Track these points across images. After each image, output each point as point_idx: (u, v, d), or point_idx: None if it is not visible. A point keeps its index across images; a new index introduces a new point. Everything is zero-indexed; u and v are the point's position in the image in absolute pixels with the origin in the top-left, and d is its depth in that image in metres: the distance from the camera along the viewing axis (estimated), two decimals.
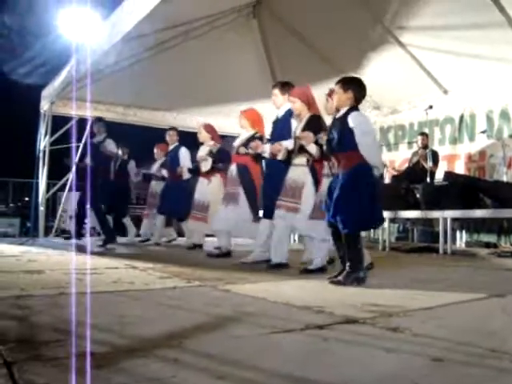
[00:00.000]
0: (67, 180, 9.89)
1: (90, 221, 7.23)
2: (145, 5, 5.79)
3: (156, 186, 8.05)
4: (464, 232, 7.48)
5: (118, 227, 8.79)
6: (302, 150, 4.17)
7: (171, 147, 7.63)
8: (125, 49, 7.33)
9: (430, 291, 3.17)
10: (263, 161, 5.20)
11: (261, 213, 5.07)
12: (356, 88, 3.54)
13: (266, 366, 1.54)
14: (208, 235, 7.09)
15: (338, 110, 3.63)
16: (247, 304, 2.62)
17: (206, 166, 6.56)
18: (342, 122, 3.48)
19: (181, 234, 8.10)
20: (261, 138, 5.18)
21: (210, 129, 6.83)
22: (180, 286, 3.22)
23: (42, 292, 2.88)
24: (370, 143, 3.47)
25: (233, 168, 5.44)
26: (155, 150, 8.11)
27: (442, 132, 8.68)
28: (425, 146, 7.85)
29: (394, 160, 9.36)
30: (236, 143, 5.49)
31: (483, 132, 7.65)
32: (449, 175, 7.06)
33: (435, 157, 7.68)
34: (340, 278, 3.39)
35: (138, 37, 7.04)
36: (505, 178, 6.92)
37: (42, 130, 9.76)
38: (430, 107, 7.56)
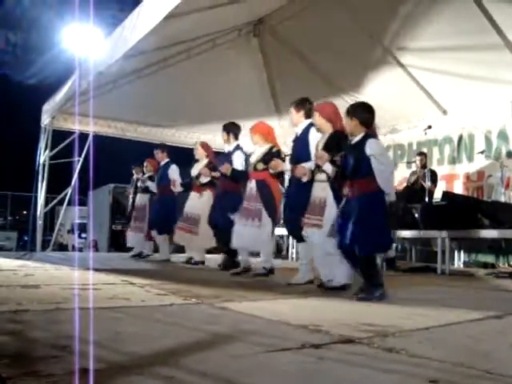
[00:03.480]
0: (66, 194, 9.90)
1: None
2: (147, 22, 5.85)
3: (141, 199, 8.10)
4: (462, 252, 7.48)
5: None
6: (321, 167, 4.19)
7: (162, 163, 7.68)
8: (126, 65, 7.40)
9: (426, 311, 3.17)
10: (285, 177, 5.22)
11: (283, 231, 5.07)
12: (360, 115, 3.65)
13: None
14: (209, 251, 7.17)
15: (353, 135, 3.71)
16: (244, 322, 2.62)
17: (205, 178, 6.66)
18: (358, 149, 3.57)
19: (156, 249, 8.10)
20: (278, 152, 5.22)
21: (205, 147, 6.95)
22: (177, 303, 3.21)
23: (39, 307, 2.87)
24: (385, 172, 3.57)
25: (252, 185, 5.35)
26: (145, 164, 8.13)
27: (440, 152, 8.73)
28: (423, 166, 7.88)
29: None
30: (252, 159, 5.46)
31: (481, 152, 7.69)
32: (447, 195, 7.08)
33: (434, 176, 7.71)
34: (364, 295, 3.52)
35: (140, 54, 7.12)
36: (503, 199, 6.93)
37: (42, 144, 9.79)
38: (429, 127, 7.61)
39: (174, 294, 3.65)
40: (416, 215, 7.09)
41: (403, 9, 6.76)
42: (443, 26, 6.61)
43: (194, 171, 6.88)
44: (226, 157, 6.09)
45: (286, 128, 8.99)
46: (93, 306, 2.90)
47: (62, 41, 12.90)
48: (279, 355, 1.92)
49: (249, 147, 5.97)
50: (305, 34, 8.00)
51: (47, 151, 9.61)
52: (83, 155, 9.62)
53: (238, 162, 5.91)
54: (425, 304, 3.50)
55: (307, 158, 4.45)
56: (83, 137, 9.72)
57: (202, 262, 6.79)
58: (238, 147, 6.08)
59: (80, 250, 13.01)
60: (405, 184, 8.45)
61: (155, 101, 9.11)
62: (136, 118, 10.10)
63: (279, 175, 5.16)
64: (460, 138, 8.41)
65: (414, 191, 7.74)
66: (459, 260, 7.46)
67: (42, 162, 9.67)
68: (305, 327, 2.47)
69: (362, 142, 3.58)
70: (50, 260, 7.01)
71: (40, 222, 9.56)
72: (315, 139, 4.47)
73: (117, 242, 9.31)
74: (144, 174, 8.30)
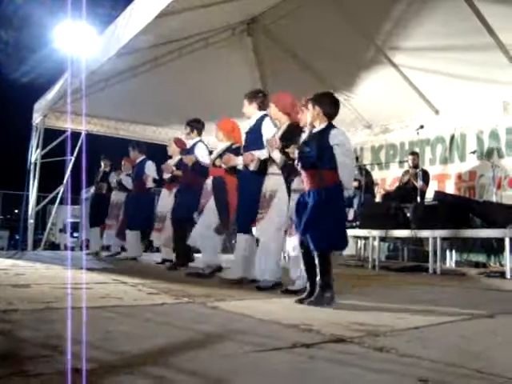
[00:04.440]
0: (57, 193, 9.85)
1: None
2: (139, 20, 5.83)
3: (116, 196, 8.10)
4: (454, 251, 7.50)
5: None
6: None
7: (138, 160, 7.60)
8: (119, 63, 7.37)
9: (417, 311, 3.17)
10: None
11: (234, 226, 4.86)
12: (323, 105, 3.48)
13: None
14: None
15: (313, 126, 3.55)
16: (235, 321, 2.61)
17: (166, 175, 6.64)
18: (320, 139, 3.39)
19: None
20: (238, 149, 4.97)
21: (179, 143, 6.90)
22: (168, 303, 3.20)
23: (29, 306, 2.85)
24: (349, 164, 3.42)
25: (208, 181, 5.29)
26: (123, 162, 8.10)
27: (432, 152, 8.76)
28: (415, 166, 7.90)
29: (384, 179, 9.42)
30: (212, 156, 5.39)
31: (473, 152, 7.72)
32: (439, 195, 7.10)
33: (426, 176, 7.73)
34: (312, 298, 3.31)
35: (133, 52, 7.09)
36: (494, 198, 6.96)
37: (33, 142, 9.74)
38: (421, 127, 7.63)
39: (166, 293, 3.65)
40: (408, 215, 7.11)
41: (396, 9, 6.78)
42: (435, 26, 6.63)
43: (162, 166, 6.80)
44: (189, 152, 6.07)
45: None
46: (84, 305, 2.89)
47: (54, 39, 12.83)
48: (270, 354, 1.92)
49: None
50: (298, 34, 8.00)
51: (39, 150, 9.55)
52: (75, 154, 9.58)
53: (202, 153, 5.89)
54: (416, 303, 3.51)
55: (260, 149, 4.33)
56: (75, 135, 9.68)
57: (170, 261, 6.50)
58: (199, 140, 6.11)
59: (72, 249, 12.95)
60: (397, 184, 8.48)
61: (148, 99, 9.07)
62: (129, 116, 10.07)
63: (232, 170, 4.85)
64: (452, 138, 8.44)
65: (406, 191, 7.77)
66: (451, 259, 7.48)
67: (33, 160, 9.61)
68: (296, 326, 2.47)
69: (325, 131, 3.40)
70: (42, 259, 6.98)
71: (31, 221, 9.50)
72: (269, 130, 4.36)
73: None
74: (110, 170, 8.42)
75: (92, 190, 8.89)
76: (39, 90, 10.11)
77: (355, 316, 2.85)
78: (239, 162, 4.54)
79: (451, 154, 8.45)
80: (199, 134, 6.21)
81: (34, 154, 9.62)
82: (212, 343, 2.10)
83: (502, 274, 5.81)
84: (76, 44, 10.06)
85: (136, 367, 1.67)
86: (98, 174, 8.70)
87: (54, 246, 14.16)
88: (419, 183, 7.36)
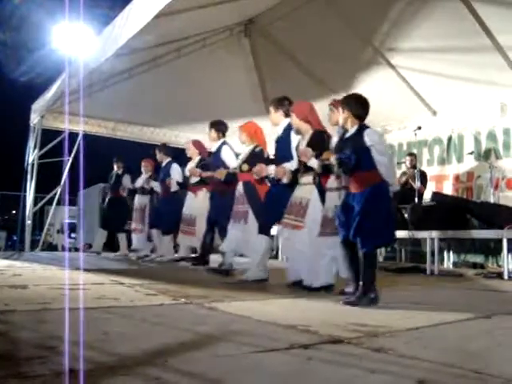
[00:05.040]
0: (55, 194, 9.83)
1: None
2: (137, 21, 5.82)
3: (141, 200, 8.09)
4: (451, 252, 7.50)
5: (111, 242, 9.01)
6: (306, 167, 4.14)
7: (164, 163, 7.61)
8: (117, 64, 7.36)
9: (415, 311, 3.17)
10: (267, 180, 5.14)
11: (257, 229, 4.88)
12: (352, 107, 3.55)
13: None
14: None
15: (345, 129, 3.62)
16: (232, 322, 2.61)
17: (194, 178, 6.66)
18: (356, 141, 3.46)
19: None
20: (261, 152, 5.14)
21: (198, 144, 6.96)
22: (166, 303, 3.19)
23: (26, 307, 2.84)
24: (387, 161, 3.50)
25: (239, 187, 5.33)
26: (142, 164, 8.12)
27: (430, 153, 8.76)
28: (413, 167, 7.90)
29: None
30: (238, 161, 5.45)
31: (471, 153, 7.73)
32: (437, 195, 7.11)
33: (423, 177, 7.73)
34: (353, 298, 3.37)
35: (130, 52, 7.09)
36: (492, 199, 6.97)
37: (30, 143, 9.71)
38: (419, 128, 7.63)
39: (164, 293, 3.64)
40: (406, 215, 7.12)
41: (393, 10, 6.78)
42: (433, 27, 6.63)
43: (187, 170, 6.88)
44: (215, 156, 6.11)
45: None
46: (81, 306, 2.88)
47: (52, 39, 12.81)
48: (268, 355, 1.91)
49: (237, 147, 5.96)
50: (295, 35, 7.99)
51: (36, 150, 9.52)
52: (73, 154, 9.56)
53: (228, 157, 5.93)
54: (414, 304, 3.51)
55: (290, 158, 4.43)
56: (73, 136, 9.66)
57: (185, 259, 6.77)
58: (224, 143, 6.14)
59: (70, 250, 12.93)
60: None
61: (146, 100, 9.06)
62: (126, 117, 10.05)
63: (263, 178, 5.01)
64: (449, 139, 8.45)
65: (404, 192, 7.76)
66: (448, 260, 7.48)
67: (30, 161, 9.59)
68: (293, 327, 2.47)
69: (359, 133, 3.47)
70: (39, 260, 6.96)
71: (29, 222, 9.48)
72: (296, 139, 4.44)
73: (108, 242, 9.26)
74: (123, 173, 8.45)
75: (108, 192, 8.94)
76: (37, 91, 10.08)
77: (353, 317, 2.85)
78: (271, 170, 4.64)
79: (449, 155, 8.45)
80: (223, 135, 6.26)
81: (32, 155, 9.59)
82: (209, 344, 2.09)
83: (500, 275, 5.82)
84: (74, 44, 10.06)
85: (133, 368, 1.67)
86: (111, 177, 8.75)
87: (51, 247, 14.13)
88: (417, 184, 7.36)
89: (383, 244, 3.97)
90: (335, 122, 4.03)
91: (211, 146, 6.49)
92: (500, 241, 5.83)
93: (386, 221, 3.43)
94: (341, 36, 7.46)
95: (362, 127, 3.50)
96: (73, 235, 15.70)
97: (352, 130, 3.54)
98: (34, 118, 9.77)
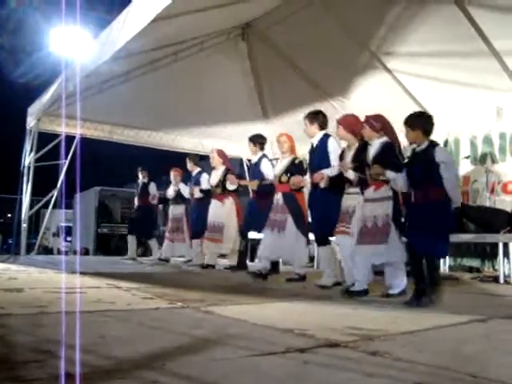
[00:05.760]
0: (51, 197, 9.80)
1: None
2: (135, 24, 5.83)
3: (174, 210, 8.22)
4: (447, 256, 7.51)
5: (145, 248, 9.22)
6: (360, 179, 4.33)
7: (194, 173, 7.79)
8: (114, 67, 7.36)
9: (411, 315, 3.18)
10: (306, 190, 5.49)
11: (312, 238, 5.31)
12: (422, 126, 3.83)
13: None
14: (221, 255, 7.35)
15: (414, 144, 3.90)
16: (229, 326, 2.61)
17: (231, 185, 6.82)
18: (426, 156, 3.71)
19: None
20: (301, 164, 5.44)
21: (221, 154, 7.21)
22: (162, 307, 3.19)
23: (22, 311, 2.84)
24: (454, 180, 3.80)
25: (279, 197, 5.51)
26: (172, 173, 8.21)
27: None
28: None
29: None
30: (277, 171, 5.66)
31: (467, 157, 7.74)
32: None
33: None
34: (410, 299, 3.65)
35: (127, 56, 7.08)
36: (488, 204, 6.99)
37: (27, 146, 9.68)
38: None
39: (160, 297, 3.64)
40: (402, 220, 7.11)
41: (390, 15, 6.80)
42: (430, 32, 6.65)
43: (213, 179, 7.08)
44: (255, 167, 6.42)
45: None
46: (77, 309, 2.87)
47: (50, 42, 12.81)
48: (264, 359, 1.91)
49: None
50: (292, 39, 8.01)
51: (32, 153, 9.49)
52: (69, 158, 9.54)
53: (267, 170, 6.24)
54: (410, 308, 3.51)
55: (327, 167, 4.75)
56: (69, 139, 9.64)
57: (213, 266, 6.97)
58: (263, 156, 6.44)
59: (66, 253, 12.91)
60: None
61: (142, 103, 9.06)
62: (123, 120, 10.02)
63: (300, 188, 5.42)
64: (446, 143, 8.46)
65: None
66: (444, 264, 7.48)
67: (27, 164, 9.55)
68: (290, 331, 2.47)
69: (430, 149, 3.72)
70: (35, 263, 6.95)
71: (25, 225, 9.44)
72: (335, 149, 4.79)
73: (103, 246, 9.27)
74: (148, 181, 8.66)
75: (135, 201, 9.09)
76: (33, 94, 10.07)
77: (350, 320, 2.85)
78: (308, 182, 5.04)
79: None
80: (262, 148, 6.52)
81: (28, 158, 9.56)
82: (206, 348, 2.09)
83: (496, 279, 5.83)
84: (71, 47, 10.06)
85: (130, 372, 1.67)
86: (137, 186, 9.01)
87: (47, 250, 14.12)
88: None
89: (445, 255, 4.53)
90: (368, 136, 4.29)
91: (251, 157, 6.87)
92: (496, 245, 5.85)
93: (444, 235, 3.78)
94: (338, 40, 7.48)
95: (431, 145, 3.78)
96: (68, 238, 15.69)
97: (422, 146, 3.80)
98: (31, 121, 9.74)
